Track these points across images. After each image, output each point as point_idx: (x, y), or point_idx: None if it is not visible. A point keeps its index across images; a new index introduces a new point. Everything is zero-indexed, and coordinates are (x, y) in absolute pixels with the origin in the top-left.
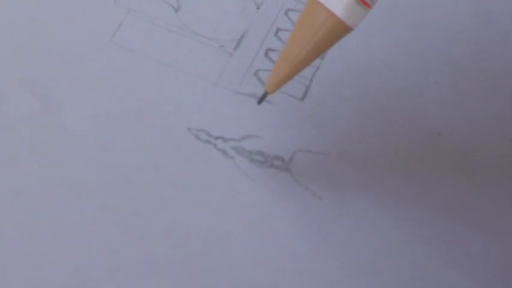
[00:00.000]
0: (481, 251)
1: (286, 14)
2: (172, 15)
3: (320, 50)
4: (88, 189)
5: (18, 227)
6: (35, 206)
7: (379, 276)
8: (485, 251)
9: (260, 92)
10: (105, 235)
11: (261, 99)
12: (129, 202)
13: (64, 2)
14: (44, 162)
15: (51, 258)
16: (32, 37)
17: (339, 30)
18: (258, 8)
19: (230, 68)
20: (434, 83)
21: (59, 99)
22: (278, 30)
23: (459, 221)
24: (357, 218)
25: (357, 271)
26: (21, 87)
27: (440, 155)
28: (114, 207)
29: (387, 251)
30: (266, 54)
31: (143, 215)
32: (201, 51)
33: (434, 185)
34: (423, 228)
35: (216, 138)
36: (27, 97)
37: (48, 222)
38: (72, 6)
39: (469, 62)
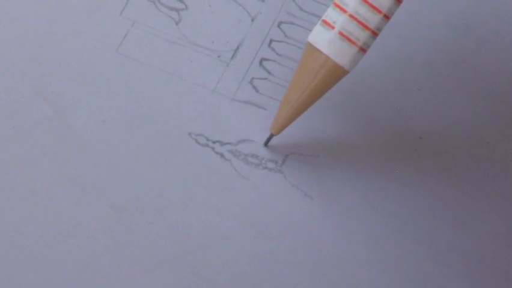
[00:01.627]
0: (460, 246)
1: (279, 26)
2: (173, 28)
3: (319, 93)
4: (96, 190)
5: (30, 224)
6: (47, 205)
7: (365, 268)
8: (464, 245)
9: (255, 99)
10: (112, 232)
11: (267, 141)
12: (134, 201)
13: (73, 15)
14: (54, 164)
15: (62, 253)
16: (44, 49)
17: (337, 74)
18: (252, 21)
19: (227, 76)
20: (416, 90)
21: (68, 105)
22: (271, 41)
23: (439, 218)
24: (344, 216)
25: (345, 264)
26: (34, 95)
27: (422, 157)
28: (120, 206)
29: (373, 246)
30: (260, 63)
31: (147, 214)
32: (200, 61)
33: (416, 184)
34: (407, 225)
35: (214, 142)
36: (40, 104)
37: (58, 220)
38: (81, 19)
39: (448, 70)
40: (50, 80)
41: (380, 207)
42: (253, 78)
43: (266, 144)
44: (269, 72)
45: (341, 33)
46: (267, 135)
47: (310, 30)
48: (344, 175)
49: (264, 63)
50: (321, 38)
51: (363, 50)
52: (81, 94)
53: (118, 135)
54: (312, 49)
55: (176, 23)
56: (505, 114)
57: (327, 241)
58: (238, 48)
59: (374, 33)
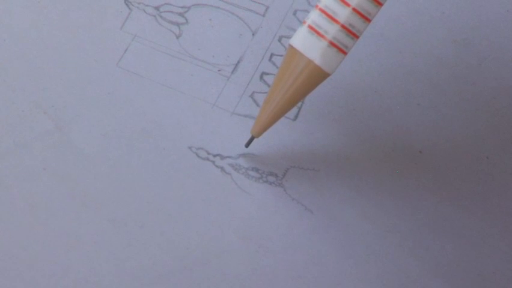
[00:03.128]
0: (460, 260)
1: (279, 40)
2: (174, 42)
3: (300, 95)
4: (96, 204)
5: (30, 238)
6: (46, 219)
7: (365, 283)
8: (463, 260)
9: (255, 113)
10: (112, 246)
11: (248, 143)
12: (134, 215)
13: (74, 29)
14: (54, 178)
15: (62, 267)
16: (45, 63)
17: (318, 76)
18: (253, 35)
19: (227, 90)
20: (416, 104)
21: (69, 119)
22: (272, 55)
23: (439, 233)
24: (345, 230)
25: (345, 278)
26: (35, 108)
27: (422, 171)
28: (120, 220)
29: (373, 260)
30: (261, 77)
31: (148, 227)
32: (201, 75)
33: (416, 199)
34: (406, 239)
35: (215, 156)
36: (40, 117)
37: (58, 234)
38: (81, 33)
39: (449, 85)
40: (51, 93)
41: (379, 222)
42: (254, 92)
43: (247, 146)
44: (270, 86)
45: (310, 27)
46: (268, 149)
47: None
48: (344, 189)
49: (265, 77)
50: (296, 35)
51: (336, 46)
52: (81, 108)
53: (118, 149)
54: (293, 52)
55: (177, 37)
56: (505, 129)
57: (327, 255)
58: (238, 62)
59: (347, 30)
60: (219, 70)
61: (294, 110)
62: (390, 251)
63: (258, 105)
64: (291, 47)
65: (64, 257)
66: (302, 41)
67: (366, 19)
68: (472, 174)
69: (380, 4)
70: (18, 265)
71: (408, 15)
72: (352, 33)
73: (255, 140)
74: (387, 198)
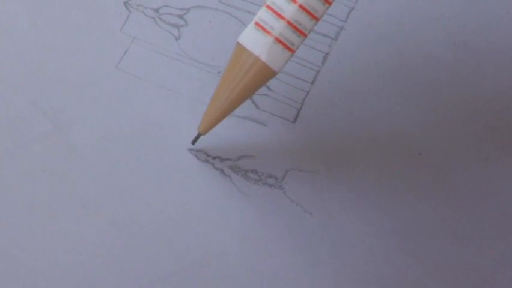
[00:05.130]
0: (459, 262)
1: None
2: (173, 44)
3: (247, 92)
4: (95, 205)
5: (29, 240)
6: (46, 220)
7: (365, 285)
8: (463, 261)
9: (255, 115)
10: (111, 247)
11: (194, 140)
12: (133, 217)
13: (73, 31)
14: (53, 180)
15: (61, 269)
16: (44, 64)
17: (265, 74)
18: None
19: None
20: (416, 106)
21: (68, 120)
22: None
23: (438, 234)
24: (344, 232)
25: (345, 280)
26: (34, 110)
27: (421, 173)
28: (119, 221)
29: (372, 261)
30: None
31: (147, 229)
32: (200, 77)
33: (415, 200)
34: (406, 241)
35: (214, 158)
36: (39, 119)
37: (57, 235)
38: (81, 35)
39: (448, 87)
40: (50, 95)
41: (379, 224)
42: None
43: (193, 143)
44: (269, 88)
45: (256, 23)
46: (267, 151)
47: (309, 47)
48: (344, 191)
49: None
50: (243, 32)
51: (282, 43)
52: (81, 109)
53: (117, 151)
54: (240, 49)
55: (177, 39)
56: (503, 130)
57: (327, 257)
58: None
59: (293, 26)
60: (218, 72)
61: (294, 111)
62: (390, 253)
63: (257, 107)
64: (237, 44)
65: (63, 258)
66: (248, 37)
67: (314, 17)
68: (471, 176)
69: (329, 3)
70: (18, 266)
71: (407, 16)
72: (299, 31)
73: (253, 143)
74: (386, 200)
